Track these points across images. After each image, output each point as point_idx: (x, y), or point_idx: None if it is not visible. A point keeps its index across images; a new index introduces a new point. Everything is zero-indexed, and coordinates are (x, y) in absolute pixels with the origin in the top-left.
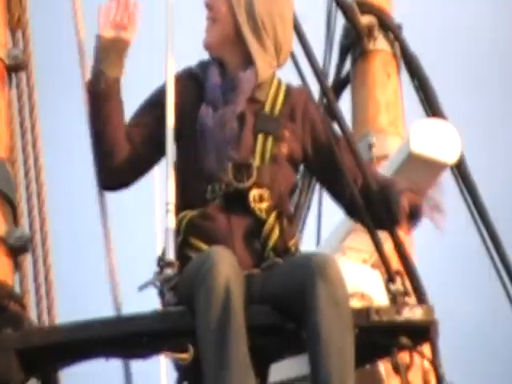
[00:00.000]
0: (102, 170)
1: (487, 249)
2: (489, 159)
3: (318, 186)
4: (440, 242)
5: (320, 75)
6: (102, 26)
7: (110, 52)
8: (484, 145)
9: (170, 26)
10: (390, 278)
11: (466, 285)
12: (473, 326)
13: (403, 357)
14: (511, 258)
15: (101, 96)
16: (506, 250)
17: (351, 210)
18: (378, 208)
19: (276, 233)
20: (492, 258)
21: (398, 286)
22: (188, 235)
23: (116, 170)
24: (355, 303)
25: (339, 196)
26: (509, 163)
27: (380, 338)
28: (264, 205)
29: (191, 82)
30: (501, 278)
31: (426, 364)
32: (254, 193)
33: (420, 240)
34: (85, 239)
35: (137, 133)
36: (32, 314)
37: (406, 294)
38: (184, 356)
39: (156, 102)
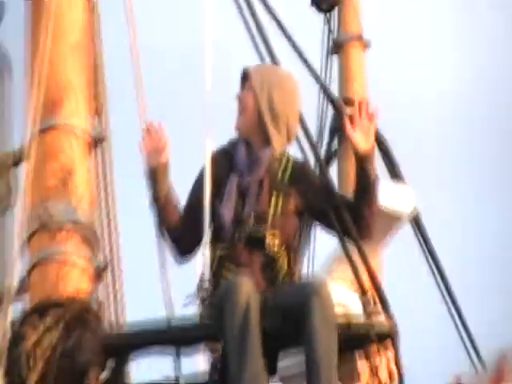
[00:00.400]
0: (173, 250)
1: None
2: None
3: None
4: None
5: (316, 151)
6: (147, 159)
7: (158, 174)
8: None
9: (207, 116)
10: (362, 293)
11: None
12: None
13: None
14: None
15: (160, 209)
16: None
17: (343, 234)
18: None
19: (285, 266)
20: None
21: (368, 299)
22: (220, 267)
23: (177, 246)
24: (339, 309)
25: (329, 227)
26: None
27: (354, 342)
28: (276, 243)
29: (224, 157)
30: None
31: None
32: (271, 235)
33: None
34: (147, 265)
35: (188, 218)
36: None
37: (374, 303)
38: (215, 354)
39: (196, 190)
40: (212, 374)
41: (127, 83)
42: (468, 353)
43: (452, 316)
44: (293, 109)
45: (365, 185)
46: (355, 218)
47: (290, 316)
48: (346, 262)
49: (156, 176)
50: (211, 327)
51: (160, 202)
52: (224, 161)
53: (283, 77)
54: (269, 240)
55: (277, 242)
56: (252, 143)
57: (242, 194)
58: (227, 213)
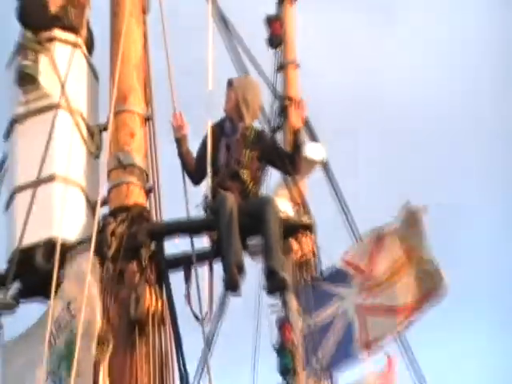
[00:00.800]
0: (191, 180)
1: None
2: None
3: None
4: None
5: (270, 125)
6: (175, 132)
7: (181, 140)
8: None
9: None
10: (294, 204)
11: None
12: None
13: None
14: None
15: (183, 159)
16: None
17: (283, 171)
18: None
19: (252, 189)
20: None
21: (297, 207)
22: (216, 189)
23: (192, 178)
24: (281, 212)
25: (279, 167)
26: None
27: (290, 230)
28: (246, 176)
29: (218, 127)
30: None
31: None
32: (243, 171)
33: None
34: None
35: (197, 163)
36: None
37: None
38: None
39: (202, 146)
40: (212, 248)
41: (164, 84)
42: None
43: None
44: (257, 100)
45: (296, 144)
46: (291, 162)
47: (255, 215)
48: (284, 187)
49: (180, 141)
50: (211, 220)
51: (182, 155)
52: (218, 129)
53: (252, 82)
54: (242, 174)
55: (247, 175)
56: (233, 119)
57: (228, 148)
58: (221, 158)
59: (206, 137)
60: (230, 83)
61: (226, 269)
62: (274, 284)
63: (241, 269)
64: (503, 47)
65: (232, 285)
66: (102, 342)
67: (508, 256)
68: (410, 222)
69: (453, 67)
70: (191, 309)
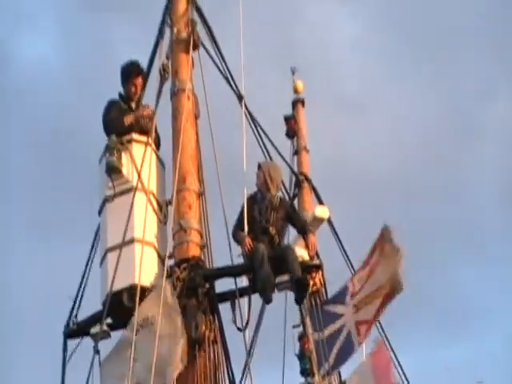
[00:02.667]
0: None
1: None
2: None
3: None
4: None
5: (289, 195)
6: (244, 249)
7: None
8: None
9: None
10: (308, 251)
11: None
12: None
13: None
14: None
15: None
16: None
17: (299, 232)
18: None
19: (277, 240)
20: None
21: (310, 254)
22: (252, 240)
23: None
24: (299, 257)
25: (293, 226)
26: None
27: (305, 269)
28: (274, 232)
29: (252, 198)
30: None
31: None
32: (271, 228)
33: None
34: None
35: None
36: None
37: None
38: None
39: (241, 214)
40: (249, 285)
41: (211, 169)
42: None
43: None
44: (278, 177)
45: (306, 233)
46: (299, 232)
47: (280, 258)
48: (301, 239)
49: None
50: (249, 265)
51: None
52: (251, 200)
53: (275, 164)
54: (271, 230)
55: (274, 230)
56: (262, 191)
57: (260, 212)
58: (254, 221)
59: (243, 206)
60: (259, 166)
61: (262, 287)
62: (301, 290)
63: (272, 287)
64: None
65: (266, 296)
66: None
67: None
68: (386, 239)
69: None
70: (236, 324)
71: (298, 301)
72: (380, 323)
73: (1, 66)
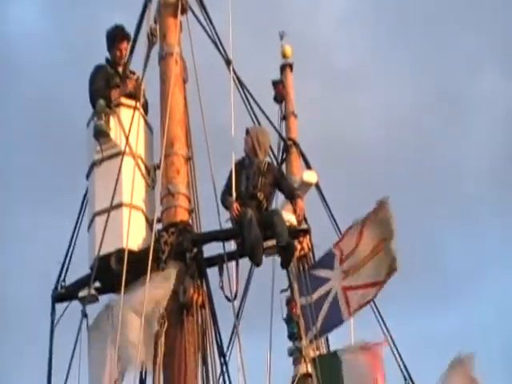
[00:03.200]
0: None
1: None
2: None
3: None
4: None
5: (276, 159)
6: (232, 213)
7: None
8: None
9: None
10: (296, 215)
11: None
12: None
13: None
14: None
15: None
16: None
17: (287, 197)
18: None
19: (265, 205)
20: None
21: (297, 218)
22: (239, 205)
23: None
24: (286, 221)
25: (281, 191)
26: None
27: (292, 234)
28: (262, 197)
29: (240, 163)
30: None
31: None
32: (259, 193)
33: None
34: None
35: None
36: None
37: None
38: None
39: (229, 179)
40: (238, 249)
41: (199, 133)
42: None
43: None
44: (266, 142)
45: (294, 199)
46: (287, 197)
47: (268, 223)
48: (289, 203)
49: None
50: (237, 229)
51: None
52: (239, 165)
53: (263, 129)
54: (259, 195)
55: (262, 196)
56: (250, 157)
57: (247, 178)
58: (242, 185)
59: (231, 172)
60: (247, 131)
61: (251, 250)
62: (287, 254)
63: (260, 248)
64: None
65: (256, 259)
66: (160, 322)
67: None
68: (381, 211)
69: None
70: (224, 293)
71: (284, 265)
72: (384, 323)
73: None
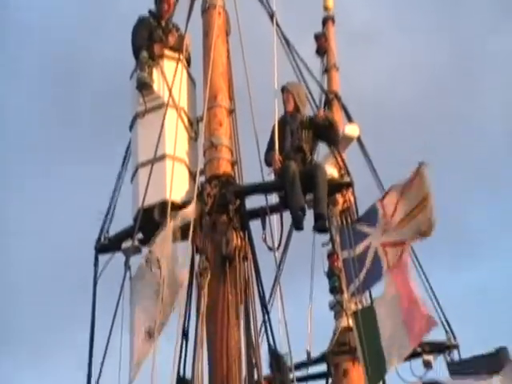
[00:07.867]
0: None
1: None
2: None
3: None
4: None
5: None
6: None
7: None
8: None
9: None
10: (338, 169)
11: None
12: None
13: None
14: None
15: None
16: None
17: (329, 142)
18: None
19: (309, 157)
20: None
21: (340, 171)
22: (284, 159)
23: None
24: (328, 174)
25: (326, 140)
26: None
27: (334, 187)
28: (307, 148)
29: (282, 119)
30: None
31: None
32: (305, 145)
33: None
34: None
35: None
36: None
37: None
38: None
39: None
40: (280, 202)
41: (243, 85)
42: None
43: None
44: (304, 97)
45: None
46: (334, 138)
47: (310, 176)
48: (332, 157)
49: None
50: (279, 182)
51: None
52: (282, 122)
53: (299, 85)
54: (304, 147)
55: (307, 147)
56: (292, 113)
57: (292, 132)
58: (287, 140)
59: (273, 129)
60: (285, 89)
61: (292, 212)
62: (319, 225)
63: (303, 211)
64: None
65: (297, 223)
66: (202, 273)
67: None
68: (420, 175)
69: None
70: (266, 244)
71: (316, 231)
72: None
73: None
